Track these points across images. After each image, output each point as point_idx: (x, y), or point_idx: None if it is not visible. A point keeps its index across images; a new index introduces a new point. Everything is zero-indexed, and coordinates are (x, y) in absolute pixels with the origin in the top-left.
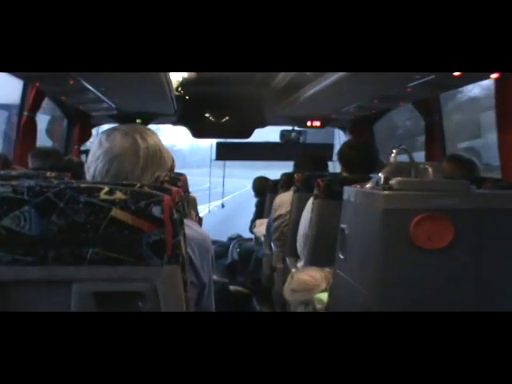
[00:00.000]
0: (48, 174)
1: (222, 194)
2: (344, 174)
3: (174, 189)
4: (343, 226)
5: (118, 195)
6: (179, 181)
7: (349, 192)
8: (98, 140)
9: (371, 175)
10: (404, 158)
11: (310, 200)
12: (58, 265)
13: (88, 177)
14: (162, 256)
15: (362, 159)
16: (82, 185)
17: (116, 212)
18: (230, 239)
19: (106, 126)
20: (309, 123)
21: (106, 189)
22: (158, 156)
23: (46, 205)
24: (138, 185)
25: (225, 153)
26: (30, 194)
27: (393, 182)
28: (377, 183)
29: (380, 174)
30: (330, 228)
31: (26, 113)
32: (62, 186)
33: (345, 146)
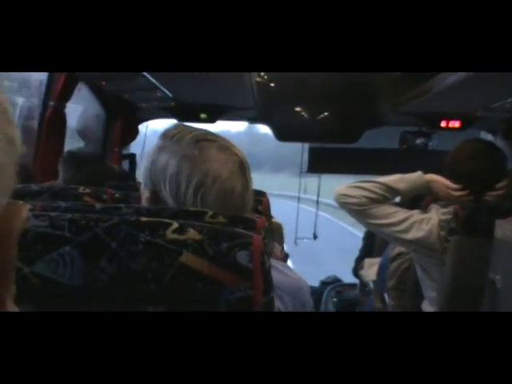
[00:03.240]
0: (81, 189)
1: (314, 220)
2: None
3: (259, 220)
4: (494, 276)
5: (191, 234)
6: (260, 204)
7: (504, 228)
8: (180, 157)
9: None
10: None
11: (435, 216)
12: None
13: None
14: None
15: (496, 175)
16: (143, 218)
17: (187, 257)
18: (324, 284)
19: (156, 124)
20: (443, 123)
21: (175, 225)
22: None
23: (93, 245)
24: (210, 213)
25: (321, 162)
26: (72, 230)
27: None
28: None
29: None
30: (474, 278)
31: (52, 103)
32: (116, 219)
33: (459, 151)
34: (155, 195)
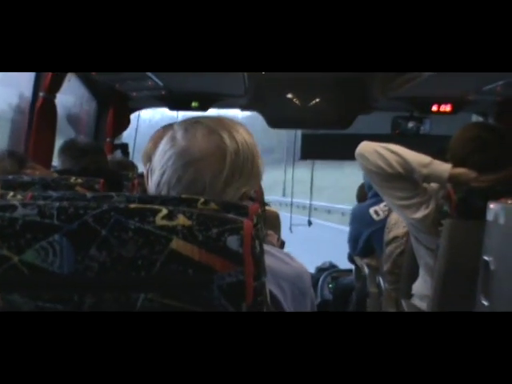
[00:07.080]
0: (72, 179)
1: (308, 206)
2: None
3: (251, 205)
4: (487, 258)
5: (181, 220)
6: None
7: (497, 210)
8: (171, 134)
9: None
10: None
11: (433, 200)
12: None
13: (150, 185)
14: (239, 305)
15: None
16: (132, 205)
17: (177, 243)
18: (320, 270)
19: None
20: (435, 108)
21: (165, 211)
22: (250, 165)
23: (82, 233)
24: (202, 200)
25: (314, 149)
26: (61, 218)
27: None
28: None
29: None
30: (467, 260)
31: (41, 94)
32: (105, 206)
33: (473, 127)
34: (142, 179)
